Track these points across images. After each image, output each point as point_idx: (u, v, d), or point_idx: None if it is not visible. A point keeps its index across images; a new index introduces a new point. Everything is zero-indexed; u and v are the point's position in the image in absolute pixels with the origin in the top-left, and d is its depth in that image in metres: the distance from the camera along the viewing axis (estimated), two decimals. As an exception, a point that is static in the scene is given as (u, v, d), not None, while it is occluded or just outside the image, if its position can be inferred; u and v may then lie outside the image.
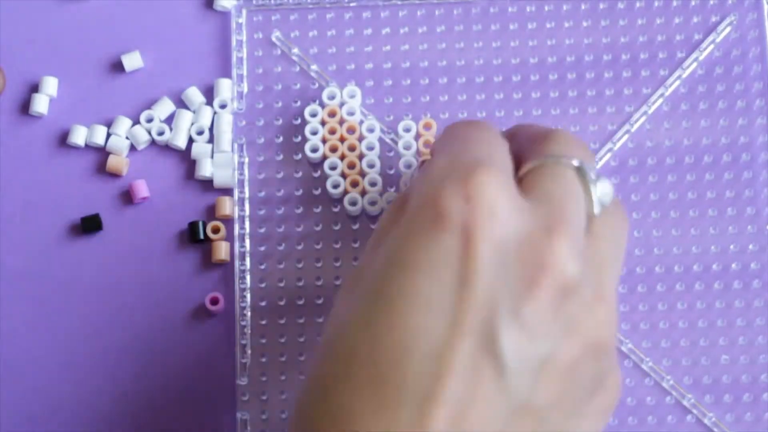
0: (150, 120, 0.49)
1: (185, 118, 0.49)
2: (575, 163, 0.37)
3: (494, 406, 0.34)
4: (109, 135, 0.49)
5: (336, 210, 0.48)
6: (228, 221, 0.48)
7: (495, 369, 0.33)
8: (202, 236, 0.48)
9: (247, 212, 0.48)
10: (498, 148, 0.37)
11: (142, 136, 0.49)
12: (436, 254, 0.34)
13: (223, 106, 0.49)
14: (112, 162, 0.49)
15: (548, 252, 0.34)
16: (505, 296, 0.34)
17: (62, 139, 0.49)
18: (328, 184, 0.48)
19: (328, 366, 0.35)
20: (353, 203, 0.48)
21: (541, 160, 0.37)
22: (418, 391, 0.33)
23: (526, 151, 0.38)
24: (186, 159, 0.49)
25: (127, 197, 0.49)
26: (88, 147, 0.49)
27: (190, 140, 0.49)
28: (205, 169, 0.49)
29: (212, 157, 0.49)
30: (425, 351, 0.33)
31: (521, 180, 0.37)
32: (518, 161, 0.38)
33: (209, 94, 0.50)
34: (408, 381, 0.33)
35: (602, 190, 0.37)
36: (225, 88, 0.49)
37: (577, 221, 0.36)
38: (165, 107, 0.49)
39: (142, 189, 0.49)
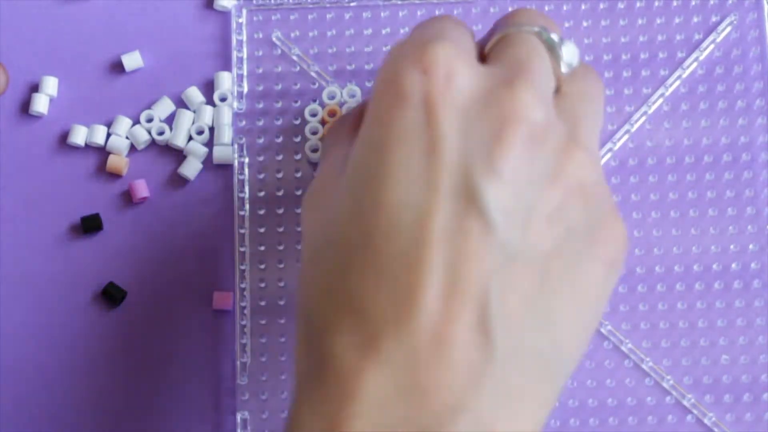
0: (150, 120, 0.49)
1: (185, 117, 0.49)
2: (536, 29, 0.38)
3: (487, 262, 0.34)
4: (109, 135, 0.49)
5: (336, 210, 0.48)
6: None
7: (481, 225, 0.34)
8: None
9: (247, 212, 0.48)
10: (456, 29, 0.38)
11: (141, 136, 0.49)
12: (404, 129, 0.35)
13: (223, 99, 0.49)
14: (112, 162, 0.49)
15: (511, 102, 0.35)
16: (477, 153, 0.34)
17: (62, 139, 0.49)
18: (328, 184, 0.48)
19: (326, 257, 0.36)
20: (353, 203, 0.48)
21: (503, 31, 0.38)
22: (409, 261, 0.34)
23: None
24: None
25: (127, 197, 0.49)
26: (88, 147, 0.49)
27: (190, 140, 0.49)
28: (188, 169, 0.49)
29: (211, 151, 0.49)
30: (409, 221, 0.34)
31: (487, 56, 0.38)
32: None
33: (209, 93, 0.50)
34: (399, 253, 0.34)
35: (568, 51, 0.38)
36: (225, 81, 0.49)
37: (542, 75, 0.37)
38: (165, 107, 0.49)
39: (142, 189, 0.49)
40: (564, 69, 0.38)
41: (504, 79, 0.36)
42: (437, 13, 0.49)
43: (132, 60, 0.50)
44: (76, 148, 0.49)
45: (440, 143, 0.35)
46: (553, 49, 0.38)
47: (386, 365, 0.33)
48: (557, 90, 0.38)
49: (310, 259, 0.37)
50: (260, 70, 0.50)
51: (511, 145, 0.34)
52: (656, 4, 0.50)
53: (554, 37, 0.38)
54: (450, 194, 0.34)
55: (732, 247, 0.48)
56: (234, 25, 0.50)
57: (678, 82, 0.49)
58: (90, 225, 0.48)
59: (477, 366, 0.33)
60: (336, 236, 0.36)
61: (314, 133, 0.48)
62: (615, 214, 0.38)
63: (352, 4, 0.50)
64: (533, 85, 0.36)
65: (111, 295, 0.48)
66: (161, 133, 0.49)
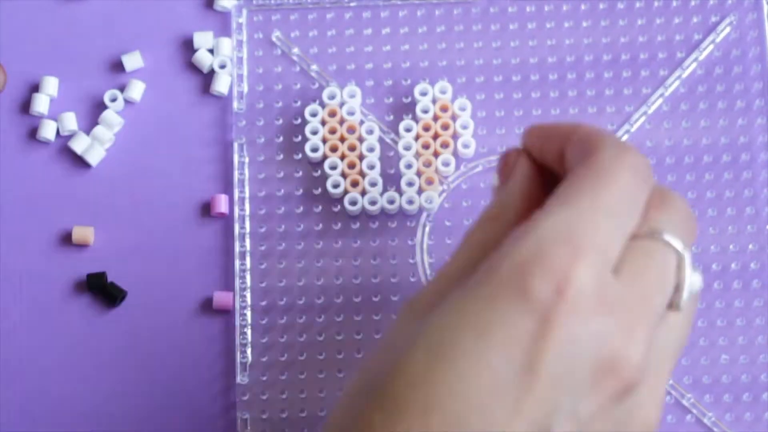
0: (114, 99, 0.49)
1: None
2: (679, 247, 0.35)
3: None
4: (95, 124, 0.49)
5: (336, 210, 0.48)
6: (228, 217, 0.49)
7: None
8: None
9: (248, 211, 0.48)
10: (621, 221, 0.35)
11: (105, 134, 0.49)
12: (512, 328, 0.33)
13: (222, 66, 0.49)
14: (77, 233, 0.48)
15: (621, 356, 0.33)
16: (569, 390, 0.33)
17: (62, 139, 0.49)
18: (329, 184, 0.48)
19: (372, 399, 0.33)
20: (353, 203, 0.48)
21: (647, 231, 0.36)
22: None
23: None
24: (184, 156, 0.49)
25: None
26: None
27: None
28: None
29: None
30: (478, 428, 0.32)
31: (623, 258, 0.35)
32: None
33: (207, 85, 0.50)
34: None
35: (694, 282, 0.36)
36: (225, 47, 0.49)
37: (657, 315, 0.35)
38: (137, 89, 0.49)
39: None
40: (683, 305, 0.36)
41: (624, 325, 0.34)
42: (437, 13, 0.49)
43: (132, 60, 0.50)
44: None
45: (542, 366, 0.32)
46: (682, 279, 0.35)
47: None
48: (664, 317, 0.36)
49: (362, 373, 0.35)
50: (260, 70, 0.50)
51: (602, 396, 0.33)
52: (656, 4, 0.50)
53: (689, 265, 0.35)
54: (529, 422, 0.32)
55: (731, 246, 0.48)
56: (234, 25, 0.50)
57: (677, 82, 0.49)
58: (95, 283, 0.48)
59: None
60: (392, 376, 0.33)
61: (314, 133, 0.48)
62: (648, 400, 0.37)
63: (352, 4, 0.50)
64: (647, 335, 0.34)
65: (111, 295, 0.48)
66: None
